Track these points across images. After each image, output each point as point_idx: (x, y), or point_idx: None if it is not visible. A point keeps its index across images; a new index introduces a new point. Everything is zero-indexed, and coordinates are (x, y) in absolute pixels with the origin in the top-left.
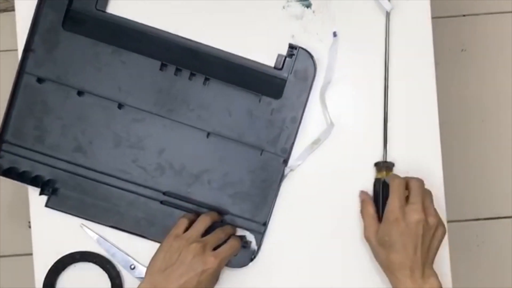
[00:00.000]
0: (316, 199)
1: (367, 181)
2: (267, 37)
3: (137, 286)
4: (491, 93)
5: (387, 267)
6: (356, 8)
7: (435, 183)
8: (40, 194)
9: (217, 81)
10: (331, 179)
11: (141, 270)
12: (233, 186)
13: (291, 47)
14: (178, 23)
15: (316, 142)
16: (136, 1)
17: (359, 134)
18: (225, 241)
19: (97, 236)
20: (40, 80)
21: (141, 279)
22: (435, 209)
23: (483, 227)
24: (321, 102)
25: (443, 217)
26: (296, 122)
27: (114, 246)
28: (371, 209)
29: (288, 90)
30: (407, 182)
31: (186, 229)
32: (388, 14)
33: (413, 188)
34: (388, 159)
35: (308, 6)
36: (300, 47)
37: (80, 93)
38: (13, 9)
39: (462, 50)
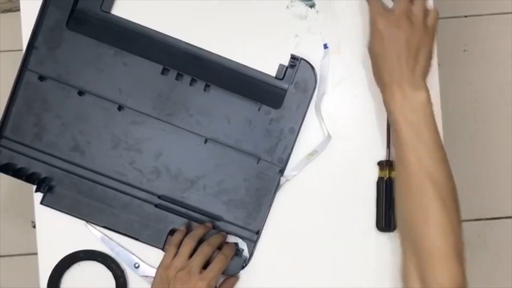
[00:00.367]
0: (311, 210)
1: (363, 193)
2: (271, 37)
3: (141, 284)
4: (493, 93)
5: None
6: (360, 8)
7: None
8: (36, 191)
9: (217, 88)
10: (326, 190)
11: (145, 269)
12: (228, 193)
13: (293, 58)
14: (181, 26)
15: (313, 154)
16: (141, 4)
17: (357, 145)
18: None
19: (101, 234)
20: (41, 78)
21: (145, 277)
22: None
23: (485, 227)
24: (317, 115)
25: None
26: (294, 132)
27: (118, 244)
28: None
29: (288, 100)
30: None
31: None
32: None
33: None
34: (391, 159)
35: (312, 6)
36: (302, 59)
37: (80, 92)
38: (16, 10)
39: (464, 50)
